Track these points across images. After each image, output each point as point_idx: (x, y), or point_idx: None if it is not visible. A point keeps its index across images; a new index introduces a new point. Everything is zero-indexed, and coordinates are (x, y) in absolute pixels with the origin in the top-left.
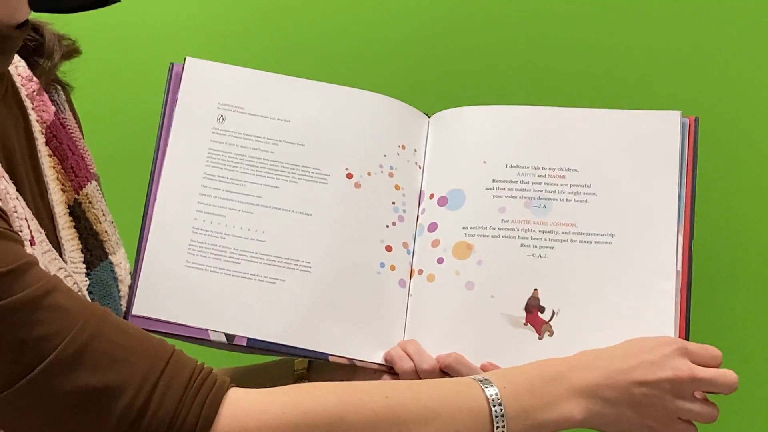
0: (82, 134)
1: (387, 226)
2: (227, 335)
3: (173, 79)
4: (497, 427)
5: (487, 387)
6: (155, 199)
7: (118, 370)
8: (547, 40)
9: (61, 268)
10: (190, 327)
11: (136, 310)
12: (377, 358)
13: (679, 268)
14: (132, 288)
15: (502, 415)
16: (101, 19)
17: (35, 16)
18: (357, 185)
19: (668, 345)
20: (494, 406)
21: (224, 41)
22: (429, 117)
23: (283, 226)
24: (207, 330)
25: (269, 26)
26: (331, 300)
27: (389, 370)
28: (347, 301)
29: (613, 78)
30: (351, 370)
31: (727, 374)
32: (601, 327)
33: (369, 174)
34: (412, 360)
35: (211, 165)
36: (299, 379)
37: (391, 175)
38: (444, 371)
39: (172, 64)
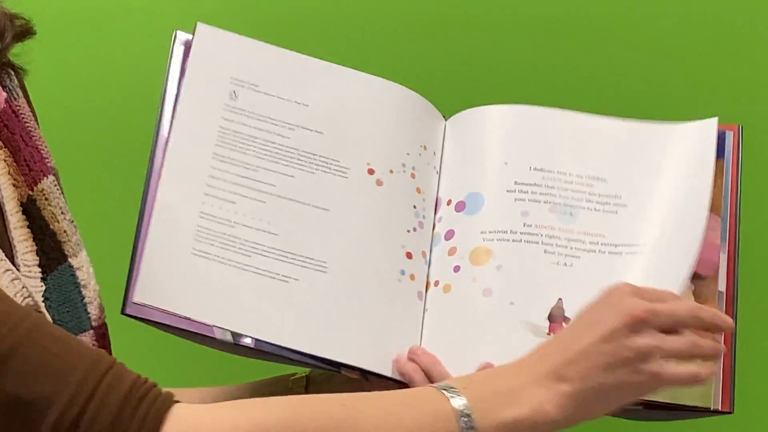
0: (38, 124)
1: (408, 231)
2: (233, 334)
3: (182, 50)
4: (463, 429)
5: (449, 392)
6: (159, 177)
7: (49, 380)
8: (566, 39)
9: (7, 270)
10: (194, 321)
11: (137, 297)
12: (390, 371)
13: (722, 289)
14: (130, 273)
15: (468, 414)
16: None
17: None
18: (378, 182)
19: (613, 293)
20: (459, 409)
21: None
22: (445, 119)
23: (297, 219)
24: (212, 326)
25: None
26: (347, 305)
27: (400, 383)
28: (364, 307)
29: (642, 81)
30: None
31: (702, 308)
32: None
33: (391, 172)
34: (430, 374)
35: (221, 145)
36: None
37: (413, 176)
38: None
39: (176, 32)
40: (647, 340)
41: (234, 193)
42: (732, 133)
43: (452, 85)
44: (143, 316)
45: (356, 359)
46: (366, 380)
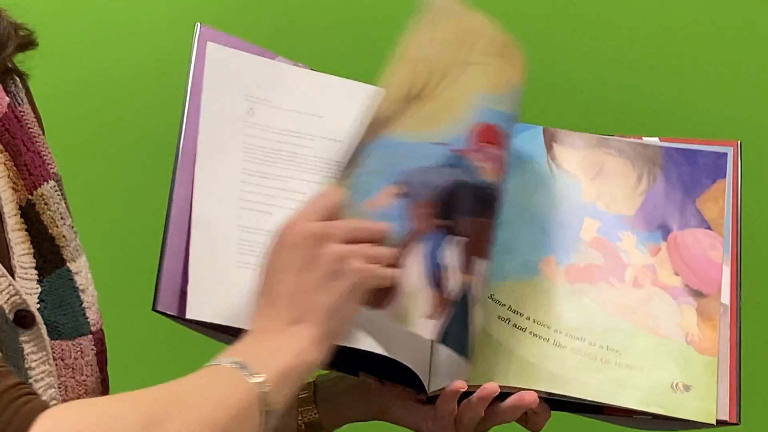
0: (42, 129)
1: None
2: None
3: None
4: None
5: (243, 371)
6: (192, 196)
7: None
8: (566, 49)
9: None
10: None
11: (190, 314)
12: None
13: (727, 302)
14: (158, 288)
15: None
16: None
17: None
18: None
19: (286, 231)
20: (257, 381)
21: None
22: None
23: None
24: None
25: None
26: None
27: (418, 395)
28: None
29: (639, 93)
30: (364, 398)
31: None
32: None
33: None
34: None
35: (249, 160)
36: (304, 401)
37: None
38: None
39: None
40: (334, 247)
41: (269, 204)
42: (732, 149)
43: None
44: (198, 331)
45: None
46: (382, 384)
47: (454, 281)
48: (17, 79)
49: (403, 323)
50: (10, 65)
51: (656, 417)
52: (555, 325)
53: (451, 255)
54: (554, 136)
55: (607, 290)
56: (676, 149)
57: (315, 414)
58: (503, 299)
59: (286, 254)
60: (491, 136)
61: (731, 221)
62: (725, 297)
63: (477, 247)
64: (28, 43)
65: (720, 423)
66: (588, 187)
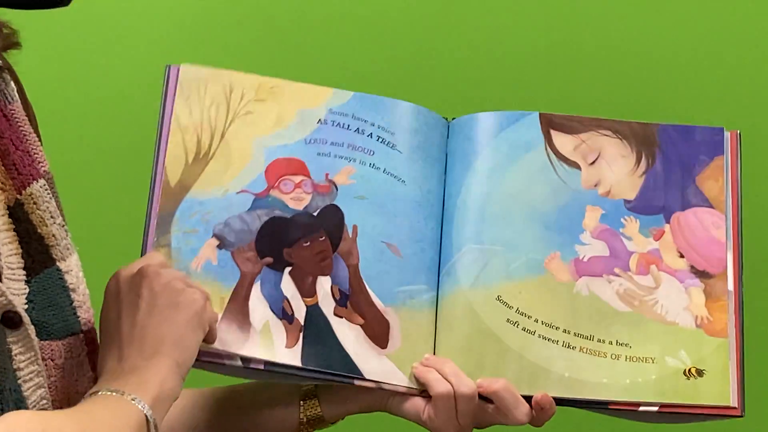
0: (36, 126)
1: None
2: (243, 358)
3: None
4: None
5: (126, 396)
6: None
7: None
8: (566, 40)
9: None
10: (204, 351)
11: None
12: (406, 379)
13: (731, 288)
14: None
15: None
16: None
17: None
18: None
19: (111, 282)
20: (143, 410)
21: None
22: (448, 121)
23: None
24: (221, 352)
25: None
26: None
27: (420, 393)
28: None
29: (640, 82)
30: (368, 391)
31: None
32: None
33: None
34: (450, 382)
35: None
36: (306, 395)
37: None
38: (484, 397)
39: (168, 67)
40: (165, 281)
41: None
42: (730, 133)
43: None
44: None
45: (367, 372)
46: (381, 389)
47: (298, 308)
48: (6, 75)
49: (270, 356)
50: None
51: (663, 409)
52: (564, 325)
53: (288, 285)
54: (551, 121)
55: (613, 281)
56: (673, 126)
57: (317, 409)
58: (511, 301)
59: (121, 300)
60: (287, 168)
61: (731, 204)
62: (730, 283)
63: (313, 268)
64: (11, 43)
65: (722, 413)
66: (587, 174)
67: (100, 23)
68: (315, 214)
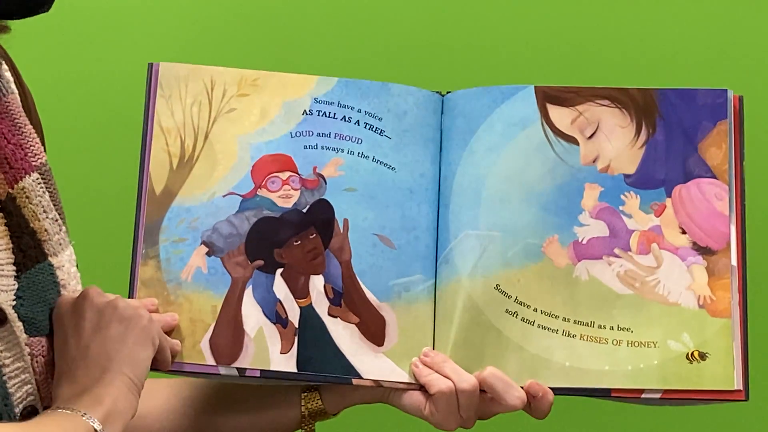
0: (36, 116)
1: None
2: (238, 369)
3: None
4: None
5: (82, 414)
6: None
7: None
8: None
9: None
10: (198, 364)
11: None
12: (405, 375)
13: (734, 263)
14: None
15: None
16: None
17: None
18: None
19: (58, 310)
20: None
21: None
22: (441, 95)
23: None
24: (216, 366)
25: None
26: None
27: (420, 387)
28: None
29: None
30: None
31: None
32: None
33: None
34: (450, 379)
35: None
36: (307, 388)
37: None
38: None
39: (150, 65)
40: (97, 300)
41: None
42: (733, 97)
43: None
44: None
45: (366, 372)
46: (379, 386)
47: (291, 310)
48: (2, 65)
49: (265, 365)
50: None
51: (665, 395)
52: (563, 313)
53: (280, 287)
54: (547, 94)
55: (614, 263)
56: (674, 90)
57: (318, 401)
58: (509, 290)
59: (65, 324)
60: (273, 164)
61: (734, 174)
62: (731, 257)
63: (306, 267)
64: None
65: (726, 397)
66: (586, 149)
67: (88, 19)
68: (304, 210)
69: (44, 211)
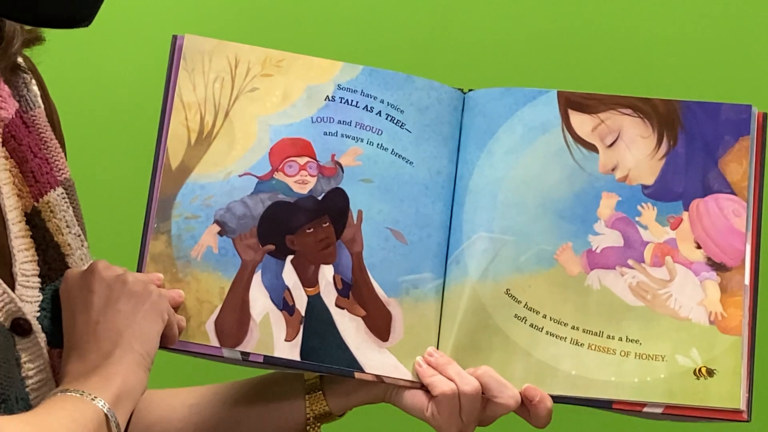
0: (60, 132)
1: None
2: (242, 353)
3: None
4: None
5: (85, 396)
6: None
7: None
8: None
9: None
10: (202, 344)
11: None
12: (408, 373)
13: (747, 283)
14: None
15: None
16: None
17: None
18: None
19: (64, 285)
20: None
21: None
22: (464, 93)
23: None
24: (220, 347)
25: None
26: None
27: (422, 386)
28: None
29: (663, 58)
30: (372, 383)
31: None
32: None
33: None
34: (453, 381)
35: None
36: (311, 389)
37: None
38: None
39: (175, 37)
40: (105, 273)
41: None
42: (757, 113)
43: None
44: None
45: (369, 366)
46: (382, 382)
47: (299, 298)
48: (29, 77)
49: (269, 351)
50: (20, 61)
51: (668, 410)
52: (572, 321)
53: (289, 274)
54: (569, 100)
55: (626, 274)
56: (697, 103)
57: (323, 402)
58: (519, 295)
59: (74, 300)
60: (292, 149)
61: (753, 191)
62: (745, 275)
63: (316, 256)
64: (34, 38)
65: (729, 417)
66: (605, 157)
67: None
68: (319, 198)
69: (67, 226)
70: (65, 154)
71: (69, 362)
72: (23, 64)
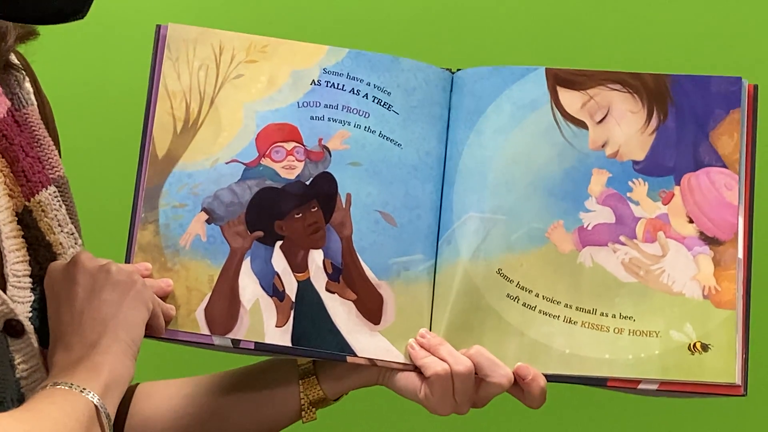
0: (54, 128)
1: None
2: (233, 340)
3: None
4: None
5: (74, 388)
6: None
7: None
8: None
9: None
10: (192, 333)
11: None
12: (401, 356)
13: (741, 256)
14: None
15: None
16: None
17: None
18: None
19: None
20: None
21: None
22: (452, 72)
23: None
24: (210, 335)
25: None
26: None
27: (415, 368)
28: None
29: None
30: (365, 367)
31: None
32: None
33: None
34: (446, 362)
35: None
36: (305, 374)
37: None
38: None
39: (158, 26)
40: (89, 264)
41: None
42: (747, 85)
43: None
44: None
45: (361, 350)
46: (374, 365)
47: (289, 284)
48: (21, 75)
49: (260, 338)
50: (12, 59)
51: (663, 387)
52: (565, 299)
53: (279, 260)
54: (558, 77)
55: (619, 250)
56: (687, 77)
57: (317, 388)
58: (511, 275)
59: (58, 291)
60: (278, 134)
61: (745, 163)
62: (738, 249)
63: (305, 241)
64: (28, 33)
65: (725, 392)
66: (595, 133)
67: None
68: (307, 183)
69: (59, 225)
70: (59, 152)
71: (55, 354)
72: (16, 62)
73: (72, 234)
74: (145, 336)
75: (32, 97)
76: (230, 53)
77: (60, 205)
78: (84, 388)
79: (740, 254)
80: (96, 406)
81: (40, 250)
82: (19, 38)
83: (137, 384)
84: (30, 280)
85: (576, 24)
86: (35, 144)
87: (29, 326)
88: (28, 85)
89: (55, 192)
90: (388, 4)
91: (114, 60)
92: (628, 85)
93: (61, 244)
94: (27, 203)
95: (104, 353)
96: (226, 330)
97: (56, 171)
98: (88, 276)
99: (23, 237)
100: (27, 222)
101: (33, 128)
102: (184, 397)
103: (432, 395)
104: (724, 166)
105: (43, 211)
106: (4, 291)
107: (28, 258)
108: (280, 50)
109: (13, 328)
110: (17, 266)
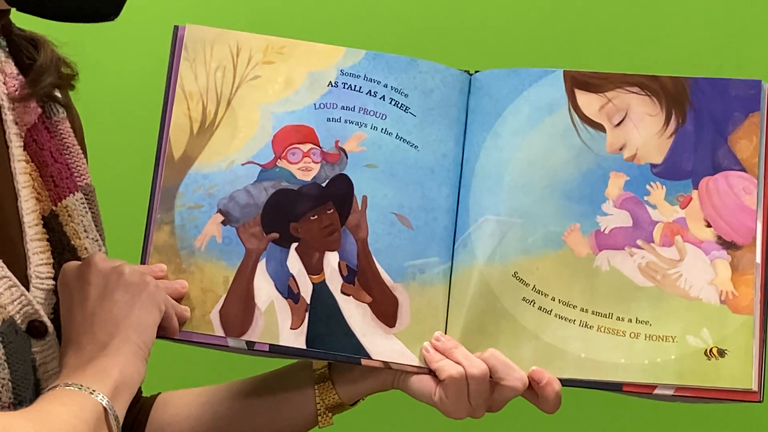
0: (82, 139)
1: None
2: (247, 342)
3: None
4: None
5: (84, 390)
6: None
7: None
8: None
9: (3, 278)
10: (207, 334)
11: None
12: (416, 359)
13: (759, 261)
14: None
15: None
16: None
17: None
18: None
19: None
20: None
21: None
22: (470, 74)
23: None
24: (225, 337)
25: None
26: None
27: (430, 371)
28: None
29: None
30: (380, 370)
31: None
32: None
33: None
34: (461, 365)
35: None
36: (320, 379)
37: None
38: None
39: (176, 27)
40: (102, 265)
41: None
42: (767, 88)
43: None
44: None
45: (375, 352)
46: (389, 368)
47: (304, 286)
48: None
49: (274, 340)
50: (48, 97)
51: (678, 392)
52: (581, 303)
53: (294, 262)
54: (576, 79)
55: (635, 254)
56: (706, 80)
57: (333, 392)
58: (527, 278)
59: (71, 292)
60: (295, 135)
61: (765, 164)
62: (756, 253)
63: (321, 243)
64: (66, 83)
65: (741, 398)
66: (613, 136)
67: None
68: (323, 185)
69: (85, 230)
70: (87, 161)
71: (67, 354)
72: (47, 98)
73: (96, 240)
74: (159, 337)
75: (61, 108)
76: (247, 54)
77: (86, 212)
78: (93, 390)
79: (758, 259)
80: (104, 408)
81: (64, 254)
82: (55, 83)
83: (158, 393)
84: (53, 282)
85: (594, 26)
86: (64, 151)
87: (51, 327)
88: (58, 94)
89: (81, 198)
90: (406, 5)
91: (131, 60)
92: (647, 88)
93: (86, 249)
94: (54, 207)
95: (114, 355)
96: (240, 332)
97: (84, 179)
98: (100, 277)
99: (48, 240)
100: (53, 226)
101: (63, 136)
102: (202, 405)
103: (447, 398)
104: (743, 170)
105: (69, 216)
106: (27, 292)
107: (52, 261)
108: (297, 51)
109: (36, 329)
110: (41, 268)
